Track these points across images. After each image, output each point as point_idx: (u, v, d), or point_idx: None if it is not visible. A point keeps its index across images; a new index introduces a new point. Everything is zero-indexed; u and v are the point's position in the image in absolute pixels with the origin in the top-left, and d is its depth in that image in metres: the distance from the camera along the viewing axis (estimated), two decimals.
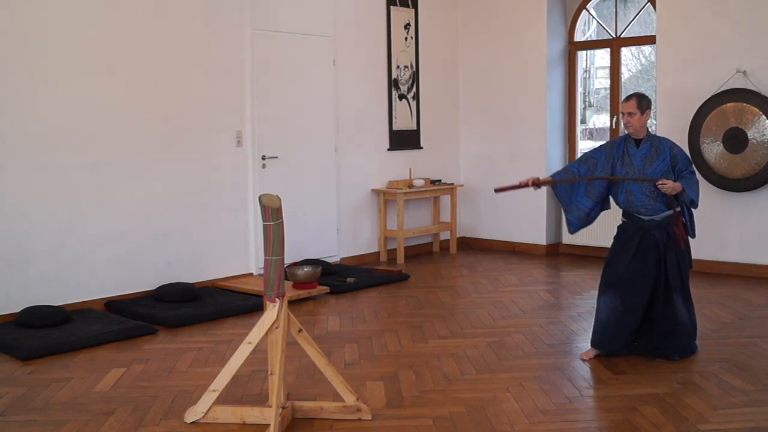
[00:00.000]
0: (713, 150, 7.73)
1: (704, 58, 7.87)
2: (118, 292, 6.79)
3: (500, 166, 9.50)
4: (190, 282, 7.13)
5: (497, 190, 5.59)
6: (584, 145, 9.55)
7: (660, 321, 5.13)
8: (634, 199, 5.15)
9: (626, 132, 5.27)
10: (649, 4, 8.57)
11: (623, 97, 8.94)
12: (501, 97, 9.48)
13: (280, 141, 7.90)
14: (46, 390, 4.68)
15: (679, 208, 5.11)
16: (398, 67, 9.08)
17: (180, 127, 7.16)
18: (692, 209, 5.19)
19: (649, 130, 5.29)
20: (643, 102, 5.12)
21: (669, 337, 5.11)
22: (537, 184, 5.33)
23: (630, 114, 5.11)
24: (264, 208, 3.97)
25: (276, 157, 7.85)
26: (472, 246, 9.77)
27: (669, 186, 4.98)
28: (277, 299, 4.03)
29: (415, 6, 9.23)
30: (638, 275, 5.12)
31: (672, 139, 8.03)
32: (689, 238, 5.24)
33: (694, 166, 5.26)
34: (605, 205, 5.35)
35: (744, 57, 7.61)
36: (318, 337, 5.71)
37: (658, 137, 5.25)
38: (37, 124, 6.30)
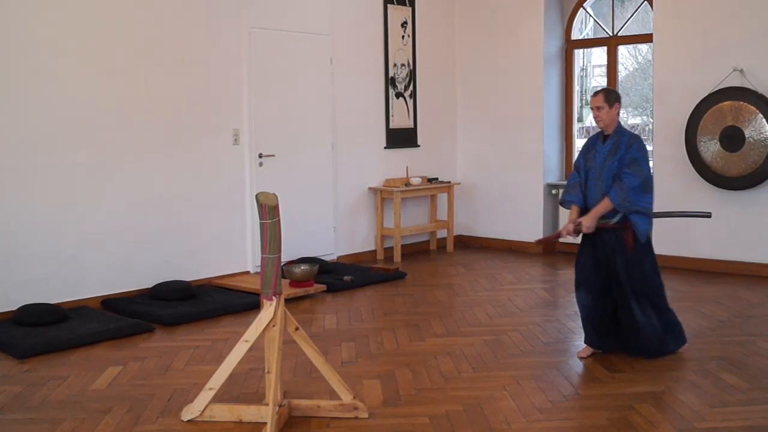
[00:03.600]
0: (710, 148, 7.73)
1: (701, 56, 7.87)
2: (114, 290, 6.78)
3: (497, 165, 9.51)
4: (187, 280, 7.12)
5: (538, 242, 5.59)
6: (581, 143, 9.54)
7: (622, 321, 5.15)
8: (590, 196, 5.16)
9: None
10: (645, 2, 8.57)
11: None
12: (498, 95, 9.48)
13: (277, 139, 7.89)
14: (43, 388, 4.68)
15: (613, 221, 5.03)
16: (395, 65, 9.08)
17: (177, 126, 7.15)
18: (643, 213, 4.98)
19: (622, 125, 5.18)
20: (610, 96, 5.10)
21: (632, 338, 5.12)
22: (577, 230, 5.16)
23: (598, 108, 5.09)
24: (261, 206, 3.97)
25: (273, 156, 7.85)
26: (468, 244, 9.77)
27: (584, 226, 5.05)
28: (273, 297, 4.03)
29: (412, 4, 9.23)
30: (595, 273, 5.17)
31: (668, 138, 8.11)
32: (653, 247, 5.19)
33: (639, 165, 4.95)
34: None
35: (741, 55, 7.61)
36: (315, 335, 5.70)
37: (626, 133, 5.13)
38: (33, 123, 6.29)
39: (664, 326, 5.15)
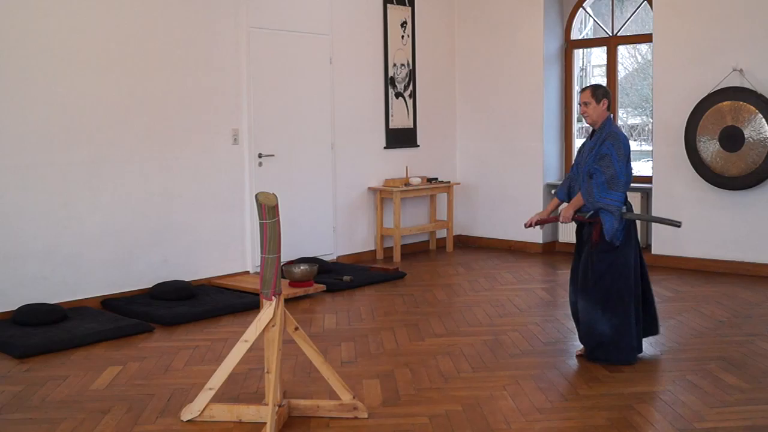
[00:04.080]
0: (710, 148, 7.74)
1: (700, 56, 7.87)
2: (114, 290, 6.78)
3: (497, 165, 9.51)
4: (187, 280, 7.12)
5: (527, 226, 5.44)
6: (580, 143, 9.53)
7: None
8: (575, 191, 5.17)
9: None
10: (645, 2, 8.57)
11: (619, 95, 8.95)
12: (498, 95, 9.48)
13: (276, 139, 7.89)
14: (42, 388, 4.67)
15: (587, 215, 5.02)
16: (395, 65, 9.08)
17: (177, 126, 7.15)
18: (607, 209, 4.90)
19: (611, 122, 5.08)
20: (598, 91, 5.07)
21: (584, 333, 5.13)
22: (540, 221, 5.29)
23: (585, 103, 5.07)
24: (260, 206, 3.97)
25: (272, 156, 7.85)
26: (468, 244, 9.77)
27: (562, 216, 5.10)
28: (273, 297, 4.03)
29: (412, 4, 9.23)
30: (577, 269, 5.18)
31: (668, 138, 8.10)
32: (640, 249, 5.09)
33: (609, 161, 4.88)
34: None
35: (740, 55, 7.61)
36: (314, 335, 5.70)
37: (606, 129, 5.04)
38: (33, 122, 6.29)
39: (613, 332, 4.96)
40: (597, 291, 5.00)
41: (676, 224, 5.10)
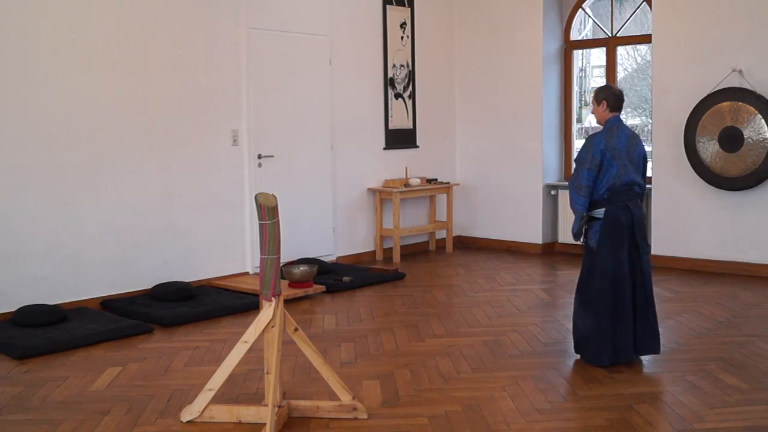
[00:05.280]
0: (709, 149, 7.74)
1: (700, 57, 7.88)
2: (114, 291, 6.78)
3: (496, 165, 9.51)
4: (186, 281, 7.12)
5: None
6: (580, 144, 9.55)
7: None
8: None
9: None
10: (644, 3, 8.57)
11: None
12: (497, 95, 9.48)
13: (276, 140, 7.89)
14: (42, 389, 4.67)
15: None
16: (394, 66, 9.08)
17: (176, 126, 7.15)
18: (573, 210, 5.07)
19: (610, 123, 5.05)
20: (599, 94, 5.15)
21: None
22: None
23: (591, 106, 5.25)
24: (260, 207, 3.97)
25: (272, 156, 7.85)
26: (468, 245, 9.77)
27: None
28: (273, 298, 4.03)
29: (411, 5, 9.23)
30: None
31: (667, 138, 8.12)
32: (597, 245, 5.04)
33: (578, 163, 5.01)
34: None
35: (740, 56, 7.61)
36: (314, 336, 5.70)
37: (603, 128, 5.07)
38: (33, 123, 6.28)
39: (588, 333, 4.97)
40: (580, 290, 5.13)
41: (582, 242, 5.14)
